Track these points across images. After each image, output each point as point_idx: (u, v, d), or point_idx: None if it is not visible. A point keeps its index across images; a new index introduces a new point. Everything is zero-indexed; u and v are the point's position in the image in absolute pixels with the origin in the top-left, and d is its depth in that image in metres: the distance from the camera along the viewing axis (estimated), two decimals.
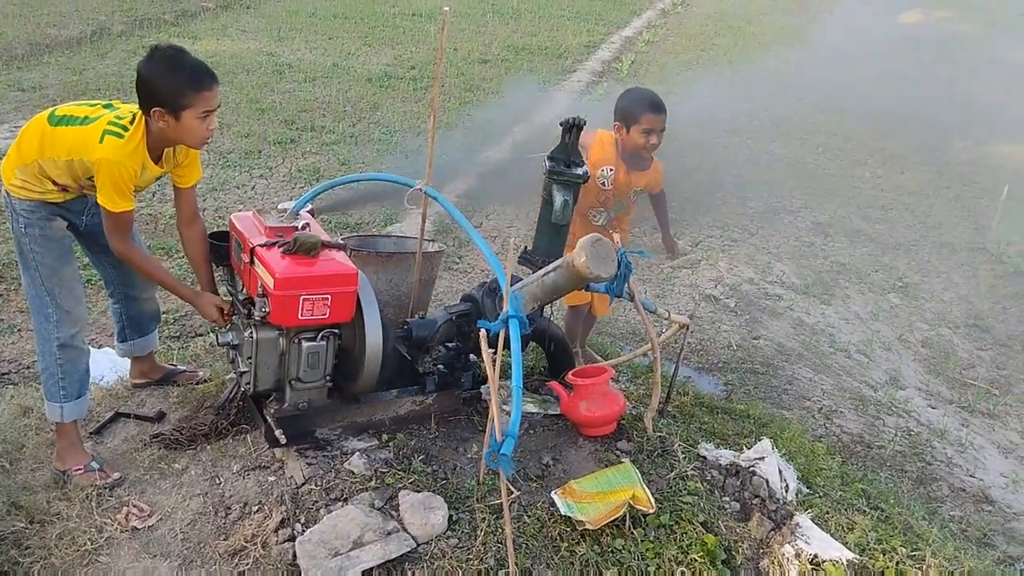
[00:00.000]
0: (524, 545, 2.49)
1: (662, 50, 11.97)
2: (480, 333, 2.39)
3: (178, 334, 4.13)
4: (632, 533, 2.56)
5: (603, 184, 3.68)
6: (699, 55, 11.82)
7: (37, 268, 2.76)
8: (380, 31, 11.14)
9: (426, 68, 9.41)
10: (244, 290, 2.85)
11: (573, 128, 2.99)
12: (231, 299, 2.97)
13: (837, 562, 2.59)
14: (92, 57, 8.67)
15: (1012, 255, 6.38)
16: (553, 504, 2.60)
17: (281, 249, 2.63)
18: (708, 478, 2.91)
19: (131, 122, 2.62)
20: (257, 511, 2.62)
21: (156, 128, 2.62)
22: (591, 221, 3.79)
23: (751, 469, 2.92)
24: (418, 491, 2.61)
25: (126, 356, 3.33)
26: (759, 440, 3.15)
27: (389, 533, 2.45)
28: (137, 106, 2.66)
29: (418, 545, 2.44)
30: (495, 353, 2.36)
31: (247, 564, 2.45)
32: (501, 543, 2.46)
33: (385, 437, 2.88)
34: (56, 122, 2.67)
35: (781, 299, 5.49)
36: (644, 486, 2.66)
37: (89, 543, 2.56)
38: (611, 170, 3.68)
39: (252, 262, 2.70)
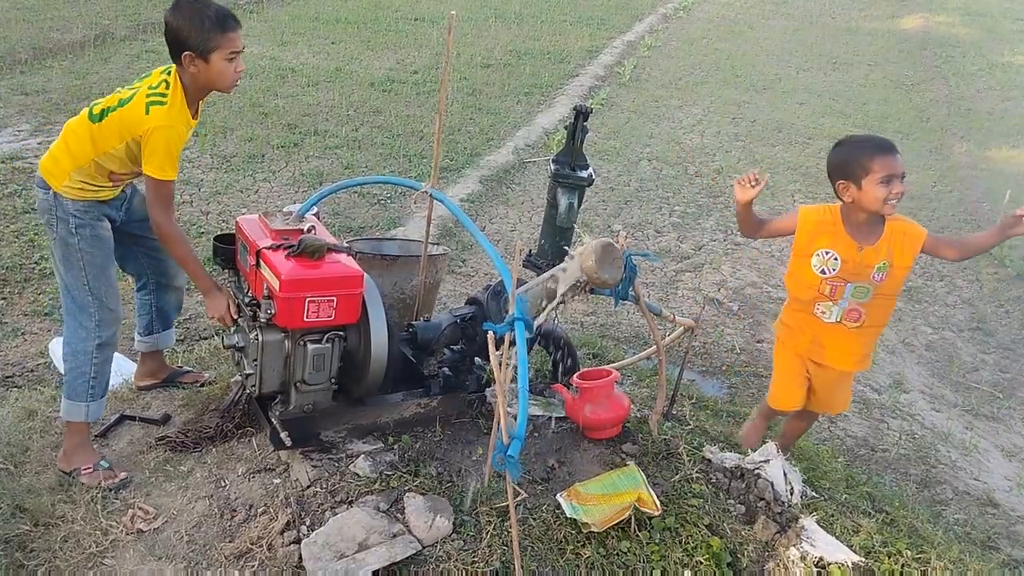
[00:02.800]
0: (530, 548, 2.49)
1: (664, 54, 11.99)
2: (488, 335, 2.39)
3: (183, 337, 4.13)
4: (637, 535, 2.56)
5: (823, 272, 2.93)
6: (702, 59, 11.83)
7: (84, 268, 2.79)
8: (382, 35, 11.15)
9: (428, 72, 9.42)
10: (250, 292, 2.85)
11: (580, 117, 2.91)
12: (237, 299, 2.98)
13: (842, 565, 2.59)
14: (95, 61, 8.68)
15: (1015, 259, 6.38)
16: (558, 507, 2.60)
17: (286, 251, 2.64)
18: (713, 481, 2.91)
19: (167, 86, 2.69)
20: (263, 513, 2.62)
21: (189, 76, 2.70)
22: (822, 319, 3.00)
23: (756, 472, 2.92)
24: (423, 494, 2.61)
25: (148, 350, 3.34)
26: (764, 443, 3.15)
27: (394, 536, 2.45)
28: (162, 70, 2.74)
29: (423, 548, 2.44)
30: (501, 355, 2.36)
31: (253, 566, 2.44)
32: (506, 546, 2.46)
33: (390, 440, 2.88)
34: (99, 118, 2.72)
35: (784, 303, 5.48)
36: (649, 488, 2.66)
37: (94, 546, 2.57)
38: (829, 253, 2.91)
39: (258, 264, 2.71)
